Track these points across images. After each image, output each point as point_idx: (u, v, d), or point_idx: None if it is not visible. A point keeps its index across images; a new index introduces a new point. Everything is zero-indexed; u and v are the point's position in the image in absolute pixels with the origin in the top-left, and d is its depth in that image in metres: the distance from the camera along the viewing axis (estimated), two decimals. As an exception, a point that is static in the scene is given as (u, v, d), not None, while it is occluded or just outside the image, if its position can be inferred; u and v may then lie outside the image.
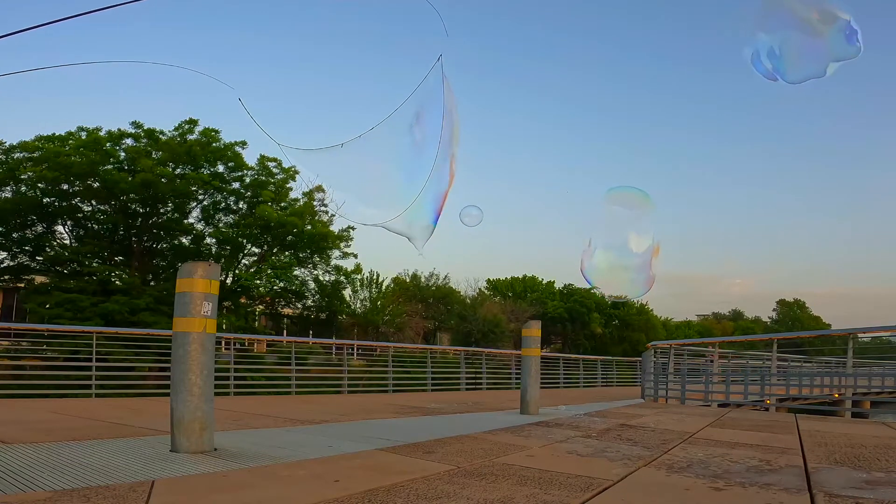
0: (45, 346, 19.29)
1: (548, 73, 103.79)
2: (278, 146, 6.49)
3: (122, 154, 31.32)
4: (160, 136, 32.18)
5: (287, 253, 36.03)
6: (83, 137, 30.52)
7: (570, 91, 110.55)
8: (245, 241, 34.73)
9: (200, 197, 33.58)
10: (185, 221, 34.04)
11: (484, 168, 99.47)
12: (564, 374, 31.35)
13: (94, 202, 31.86)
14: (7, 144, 30.33)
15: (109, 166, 30.36)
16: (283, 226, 33.58)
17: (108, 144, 30.66)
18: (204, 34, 69.72)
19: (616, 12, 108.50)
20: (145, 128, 32.07)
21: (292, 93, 77.17)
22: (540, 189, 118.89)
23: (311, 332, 40.29)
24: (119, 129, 31.56)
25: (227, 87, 6.14)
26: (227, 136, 33.40)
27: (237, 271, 34.75)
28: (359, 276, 43.19)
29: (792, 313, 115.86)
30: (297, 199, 36.21)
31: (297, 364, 19.47)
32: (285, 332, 41.34)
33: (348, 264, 38.81)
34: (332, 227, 37.06)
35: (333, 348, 28.49)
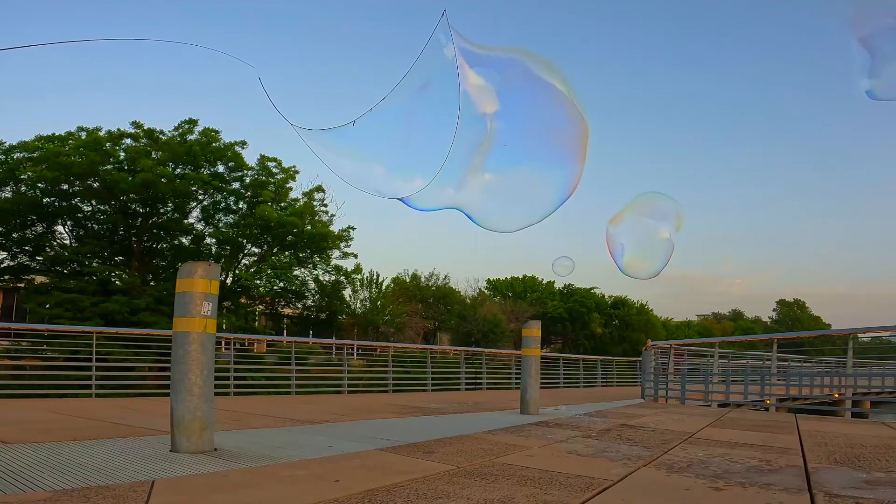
0: (45, 346, 19.31)
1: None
2: (292, 126, 6.40)
3: (122, 154, 31.29)
4: (160, 136, 32.22)
5: (287, 253, 36.02)
6: (83, 137, 30.50)
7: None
8: (245, 241, 34.74)
9: (200, 197, 33.60)
10: (186, 221, 34.04)
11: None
12: (564, 374, 31.43)
13: (94, 202, 31.87)
14: (7, 144, 30.35)
15: (109, 166, 30.37)
16: (284, 226, 33.59)
17: (107, 144, 30.62)
18: (203, 27, 69.77)
19: (612, 11, 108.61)
20: (145, 128, 32.09)
21: (295, 91, 77.19)
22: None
23: (311, 332, 40.28)
24: (119, 129, 31.55)
25: (246, 64, 6.07)
26: (226, 137, 33.51)
27: (237, 271, 34.78)
28: (359, 277, 43.21)
29: (792, 313, 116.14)
30: (297, 199, 36.27)
31: (297, 364, 19.49)
32: (285, 332, 41.34)
33: (348, 264, 38.84)
34: (332, 227, 37.16)
35: (333, 348, 28.52)
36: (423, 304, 52.54)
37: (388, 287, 49.58)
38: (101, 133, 30.99)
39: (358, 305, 46.23)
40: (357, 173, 7.43)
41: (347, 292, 43.07)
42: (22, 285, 33.44)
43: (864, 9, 6.86)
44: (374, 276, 47.74)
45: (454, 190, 7.23)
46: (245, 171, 34.33)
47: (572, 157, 7.37)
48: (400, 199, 7.23)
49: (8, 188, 30.28)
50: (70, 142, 30.35)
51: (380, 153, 7.39)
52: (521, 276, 71.59)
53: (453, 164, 6.95)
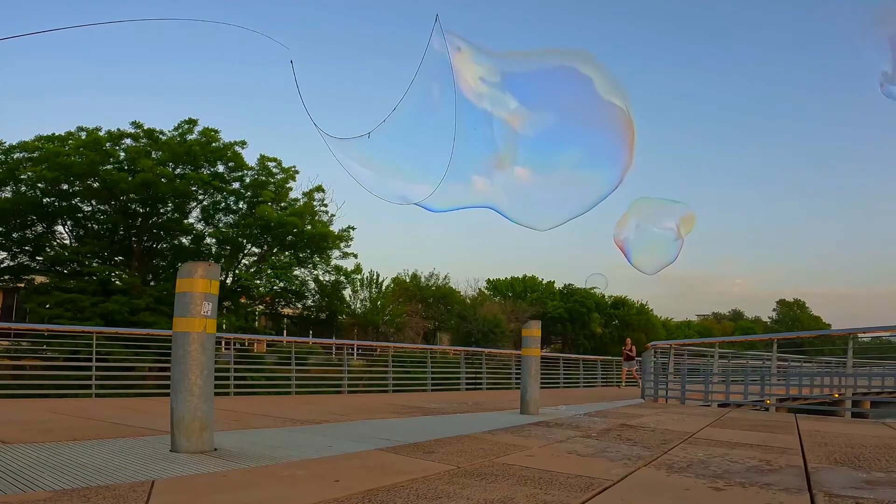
0: (45, 346, 19.31)
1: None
2: (318, 130, 6.37)
3: (122, 154, 31.44)
4: (160, 136, 32.32)
5: (287, 253, 36.10)
6: (83, 137, 30.62)
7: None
8: (245, 241, 34.85)
9: (200, 197, 33.75)
10: (185, 221, 34.20)
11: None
12: (564, 374, 31.43)
13: (93, 202, 32.01)
14: (7, 144, 30.42)
15: (109, 166, 30.50)
16: (284, 226, 33.65)
17: (107, 144, 30.75)
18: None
19: (612, 12, 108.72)
20: (145, 128, 32.23)
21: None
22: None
23: (311, 332, 40.48)
24: (119, 129, 31.68)
25: (281, 46, 6.03)
26: (225, 136, 33.66)
27: (237, 271, 34.93)
28: (359, 277, 43.24)
29: (792, 313, 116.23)
30: (297, 199, 36.35)
31: (297, 364, 19.49)
32: (285, 332, 41.43)
33: (348, 264, 38.94)
34: (331, 227, 37.25)
35: (333, 348, 28.53)
36: (423, 303, 52.58)
37: (388, 287, 49.66)
38: (101, 133, 31.12)
39: (358, 305, 46.33)
40: (373, 179, 7.40)
41: (347, 292, 43.28)
42: (22, 285, 33.50)
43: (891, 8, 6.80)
44: (374, 277, 47.86)
45: (481, 188, 7.18)
46: (245, 171, 34.41)
47: (617, 155, 7.24)
48: (417, 204, 7.17)
49: (8, 188, 30.33)
50: (70, 142, 30.43)
51: (396, 160, 7.36)
52: (521, 276, 71.59)
53: (477, 163, 6.93)
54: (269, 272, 35.20)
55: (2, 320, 32.85)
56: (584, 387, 32.56)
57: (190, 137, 32.46)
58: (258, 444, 6.28)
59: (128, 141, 31.73)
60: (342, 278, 39.58)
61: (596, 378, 35.12)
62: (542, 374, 13.40)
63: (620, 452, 6.31)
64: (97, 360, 15.12)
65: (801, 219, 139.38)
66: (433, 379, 23.55)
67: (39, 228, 31.98)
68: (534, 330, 11.70)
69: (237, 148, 33.75)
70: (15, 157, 30.26)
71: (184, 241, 34.60)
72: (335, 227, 37.47)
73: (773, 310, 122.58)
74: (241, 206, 34.83)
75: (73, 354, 17.08)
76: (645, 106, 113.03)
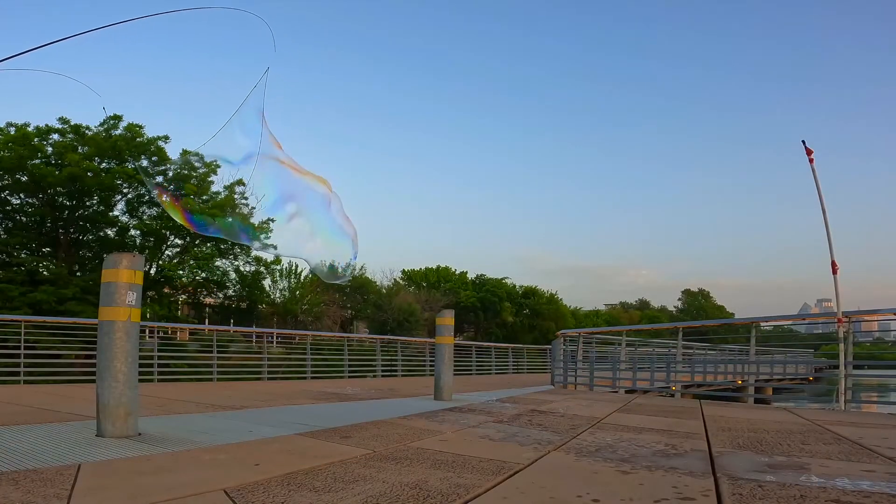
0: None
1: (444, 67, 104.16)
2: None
3: (50, 149, 31.85)
4: (86, 131, 32.70)
5: (209, 244, 36.20)
6: (12, 133, 30.99)
7: (479, 79, 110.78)
8: (168, 232, 35.20)
9: (125, 190, 34.26)
10: (111, 214, 34.64)
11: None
12: (477, 361, 31.84)
13: (22, 195, 32.47)
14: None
15: (37, 160, 30.95)
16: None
17: (35, 140, 31.22)
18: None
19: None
20: (72, 123, 32.59)
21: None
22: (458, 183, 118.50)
23: (232, 321, 40.86)
24: (46, 125, 32.04)
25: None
26: (149, 132, 34.04)
27: (160, 262, 35.49)
28: (278, 267, 43.58)
29: (696, 303, 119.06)
30: (218, 192, 36.35)
31: (218, 352, 19.63)
32: (207, 320, 41.43)
33: (268, 255, 39.21)
34: (252, 220, 37.20)
35: (254, 336, 28.60)
36: (339, 293, 52.58)
37: (306, 277, 49.59)
38: (30, 129, 31.51)
39: (277, 295, 46.51)
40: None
41: (267, 282, 44.04)
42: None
43: None
44: (293, 267, 47.85)
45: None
46: (168, 165, 34.54)
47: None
48: None
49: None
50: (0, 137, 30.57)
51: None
52: (434, 267, 71.65)
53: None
54: (191, 263, 35.75)
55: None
56: (497, 373, 32.98)
57: (115, 133, 33.03)
58: (181, 429, 6.45)
59: (55, 136, 32.17)
60: (262, 269, 40.27)
61: (507, 365, 35.71)
62: (455, 361, 13.56)
63: (531, 437, 6.51)
64: (25, 347, 15.76)
65: (704, 212, 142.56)
66: (350, 366, 24.12)
67: (-30, 221, 32.06)
68: (447, 319, 11.94)
69: (160, 143, 34.30)
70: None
71: (109, 232, 35.11)
72: (255, 220, 37.52)
73: (679, 299, 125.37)
74: (164, 198, 34.80)
75: (2, 342, 16.96)
76: (579, 96, 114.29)
